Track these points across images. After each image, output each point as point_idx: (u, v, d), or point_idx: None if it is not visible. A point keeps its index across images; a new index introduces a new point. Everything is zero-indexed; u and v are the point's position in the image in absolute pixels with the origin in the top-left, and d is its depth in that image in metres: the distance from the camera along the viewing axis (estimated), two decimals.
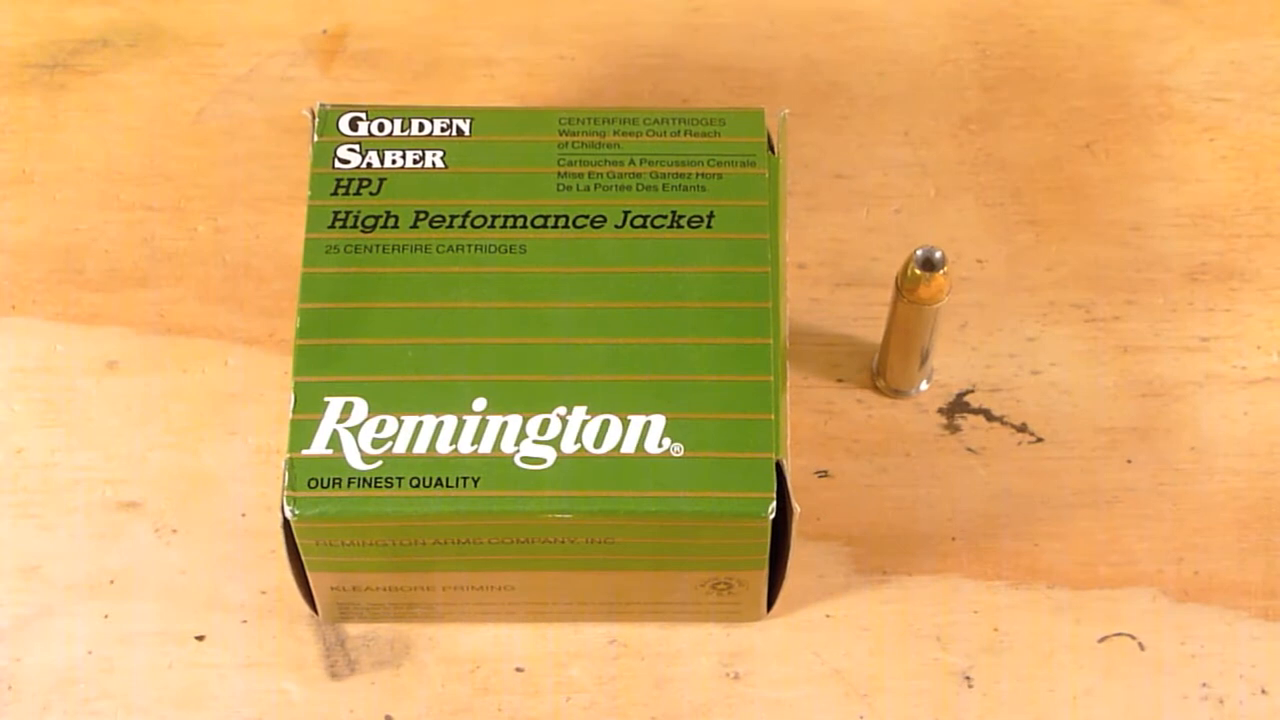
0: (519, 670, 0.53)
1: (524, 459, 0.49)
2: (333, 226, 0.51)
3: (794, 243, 0.58)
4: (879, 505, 0.55)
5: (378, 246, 0.51)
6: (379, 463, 0.49)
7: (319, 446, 0.49)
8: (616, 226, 0.51)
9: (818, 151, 0.60)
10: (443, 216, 0.52)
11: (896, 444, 0.56)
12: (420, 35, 0.62)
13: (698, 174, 0.52)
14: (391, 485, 0.48)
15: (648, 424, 0.49)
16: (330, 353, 0.50)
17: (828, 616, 0.54)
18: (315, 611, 0.53)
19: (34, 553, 0.55)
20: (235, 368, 0.57)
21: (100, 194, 0.60)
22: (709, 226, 0.51)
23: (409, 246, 0.51)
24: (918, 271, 0.52)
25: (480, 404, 0.49)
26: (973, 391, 0.57)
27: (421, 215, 0.52)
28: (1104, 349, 0.57)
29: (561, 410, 0.49)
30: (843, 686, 0.53)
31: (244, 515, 0.55)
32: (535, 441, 0.49)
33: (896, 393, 0.57)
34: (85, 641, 0.54)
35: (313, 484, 0.48)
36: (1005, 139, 0.60)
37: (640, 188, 0.52)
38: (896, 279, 0.53)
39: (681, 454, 0.49)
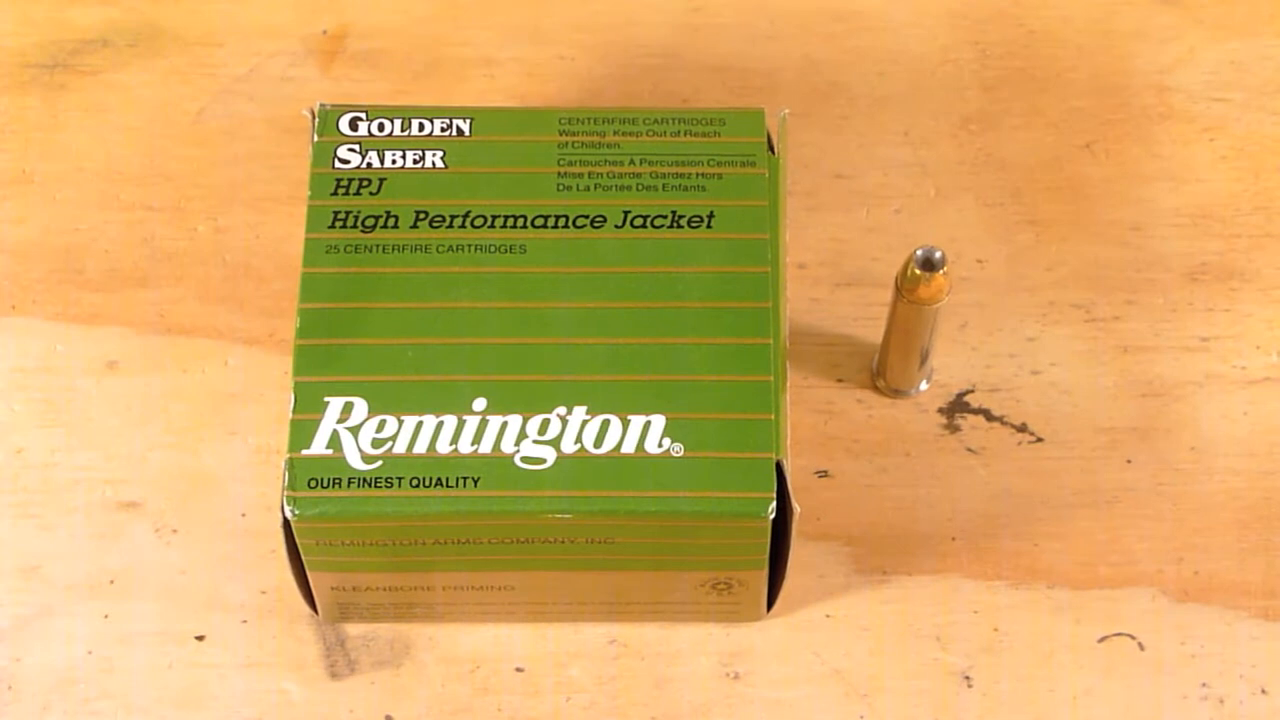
0: (519, 670, 0.53)
1: (524, 459, 0.49)
2: (333, 226, 0.51)
3: (794, 243, 0.58)
4: (879, 505, 0.55)
5: (378, 246, 0.51)
6: (379, 463, 0.49)
7: (319, 446, 0.49)
8: (616, 226, 0.51)
9: (818, 151, 0.60)
10: (443, 216, 0.52)
11: (896, 444, 0.56)
12: (420, 35, 0.62)
13: (698, 174, 0.52)
14: (391, 485, 0.48)
15: (648, 424, 0.49)
16: (330, 353, 0.50)
17: (828, 616, 0.54)
18: (315, 611, 0.53)
19: (34, 553, 0.55)
20: (235, 368, 0.57)
21: (100, 194, 0.60)
22: (709, 226, 0.51)
23: (409, 246, 0.51)
24: (918, 271, 0.52)
25: (480, 404, 0.49)
26: (973, 391, 0.57)
27: (421, 215, 0.52)
28: (1104, 349, 0.57)
29: (561, 410, 0.49)
30: (843, 686, 0.53)
31: (244, 515, 0.55)
32: (535, 441, 0.49)
33: (896, 393, 0.57)
34: (85, 641, 0.54)
35: (313, 484, 0.48)
36: (1005, 139, 0.60)
37: (640, 188, 0.52)
38: (896, 279, 0.53)
39: (681, 454, 0.49)
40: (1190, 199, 0.60)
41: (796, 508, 0.49)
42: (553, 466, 0.49)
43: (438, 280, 0.51)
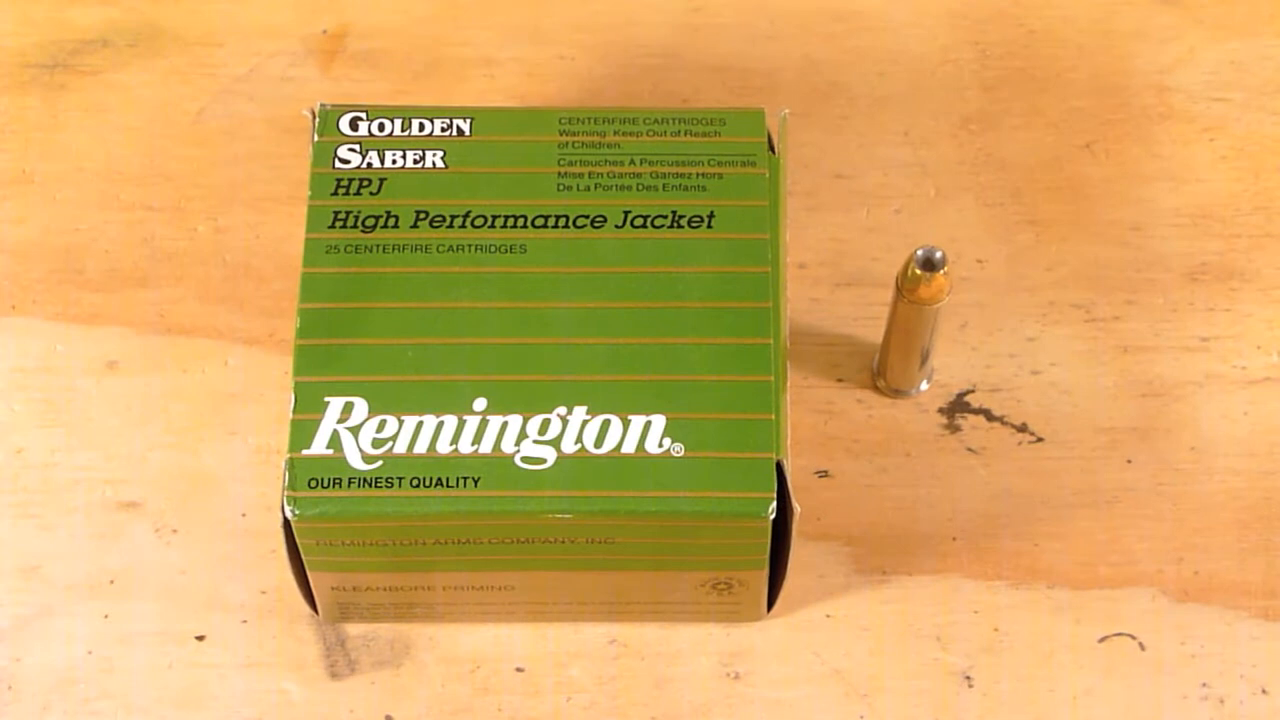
0: (519, 670, 0.53)
1: (524, 459, 0.49)
2: (333, 226, 0.51)
3: (794, 243, 0.58)
4: (879, 505, 0.55)
5: (378, 246, 0.51)
6: (379, 463, 0.49)
7: (319, 446, 0.49)
8: (617, 226, 0.51)
9: (818, 151, 0.60)
10: (443, 216, 0.52)
11: (896, 444, 0.56)
12: (420, 35, 0.62)
13: (698, 174, 0.52)
14: (391, 485, 0.48)
15: (648, 424, 0.49)
16: (330, 353, 0.50)
17: (828, 616, 0.54)
18: (315, 611, 0.53)
19: (34, 553, 0.55)
20: (235, 368, 0.57)
21: (100, 194, 0.60)
22: (709, 226, 0.51)
23: (409, 246, 0.51)
24: (918, 271, 0.52)
25: (480, 404, 0.49)
26: (973, 391, 0.57)
27: (422, 215, 0.52)
28: (1104, 349, 0.57)
29: (562, 410, 0.49)
30: (843, 686, 0.53)
31: (244, 515, 0.55)
32: (535, 441, 0.49)
33: (896, 393, 0.57)
34: (85, 641, 0.54)
35: (313, 484, 0.48)
36: (1005, 139, 0.60)
37: (640, 188, 0.52)
38: (896, 279, 0.53)
39: (682, 454, 0.49)
40: (1190, 199, 0.60)
41: (796, 508, 0.49)
42: (553, 466, 0.49)
43: (438, 280, 0.51)
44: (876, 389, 0.57)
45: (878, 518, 0.55)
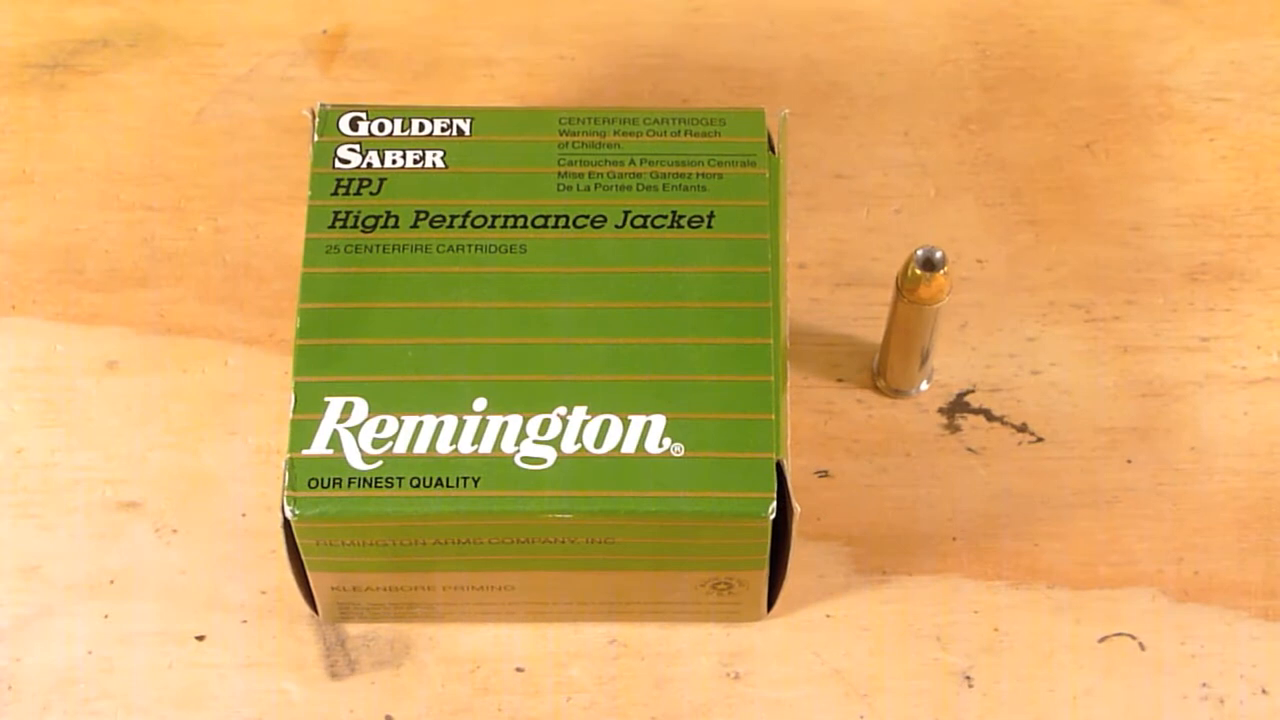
0: (519, 670, 0.53)
1: (524, 459, 0.49)
2: (333, 226, 0.51)
3: (794, 243, 0.58)
4: (879, 505, 0.55)
5: (378, 246, 0.51)
6: (379, 463, 0.49)
7: (319, 446, 0.49)
8: (617, 226, 0.51)
9: (818, 151, 0.60)
10: (443, 216, 0.52)
11: (896, 444, 0.56)
12: (420, 35, 0.62)
13: (698, 174, 0.52)
14: (391, 485, 0.48)
15: (648, 424, 0.49)
16: (330, 353, 0.50)
17: (828, 616, 0.54)
18: (315, 611, 0.53)
19: (34, 553, 0.55)
20: (235, 368, 0.57)
21: (100, 194, 0.60)
22: (709, 226, 0.51)
23: (409, 246, 0.51)
24: (918, 271, 0.52)
25: (480, 404, 0.49)
26: (973, 391, 0.57)
27: (421, 215, 0.52)
28: (1104, 349, 0.57)
29: (562, 410, 0.49)
30: (843, 686, 0.53)
31: (244, 515, 0.55)
32: (535, 441, 0.49)
33: (896, 393, 0.57)
34: (85, 641, 0.54)
35: (313, 484, 0.48)
36: (1005, 139, 0.60)
37: (640, 188, 0.52)
38: (896, 279, 0.53)
39: (682, 454, 0.49)
40: (1190, 199, 0.60)
41: (796, 508, 0.49)
42: (553, 466, 0.49)
43: (438, 280, 0.51)
44: (876, 389, 0.57)
45: (878, 518, 0.55)
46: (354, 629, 0.54)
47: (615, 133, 0.53)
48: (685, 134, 0.53)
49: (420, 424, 0.49)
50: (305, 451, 0.49)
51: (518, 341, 0.50)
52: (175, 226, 0.59)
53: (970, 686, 0.53)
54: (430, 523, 0.49)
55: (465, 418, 0.49)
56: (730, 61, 0.62)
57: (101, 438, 0.56)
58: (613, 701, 0.53)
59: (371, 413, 0.49)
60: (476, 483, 0.48)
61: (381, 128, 0.53)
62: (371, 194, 0.52)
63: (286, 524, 0.49)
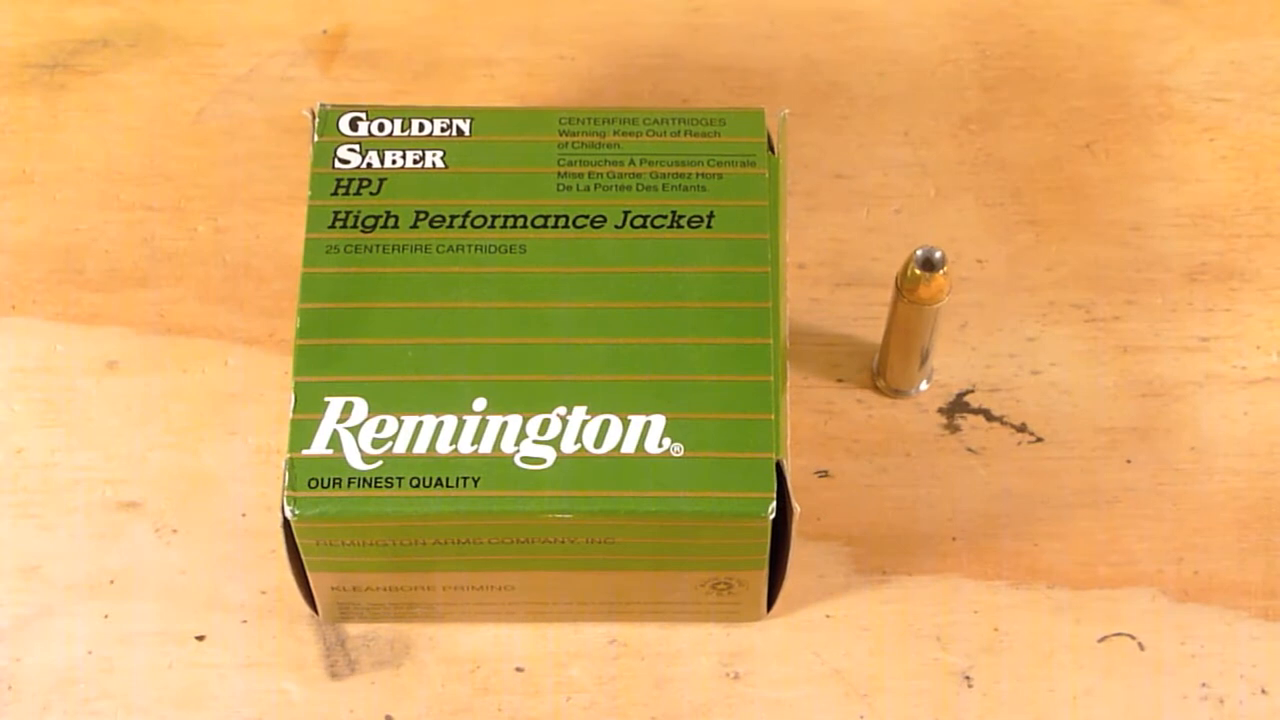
0: (519, 670, 0.53)
1: (524, 459, 0.49)
2: (333, 226, 0.51)
3: (794, 243, 0.58)
4: (879, 505, 0.55)
5: (378, 246, 0.51)
6: (379, 463, 0.49)
7: (319, 446, 0.49)
8: (616, 226, 0.51)
9: (818, 151, 0.60)
10: (443, 216, 0.52)
11: (896, 444, 0.56)
12: (420, 35, 0.62)
13: (698, 174, 0.52)
14: (391, 485, 0.48)
15: (648, 424, 0.49)
16: (330, 353, 0.50)
17: (828, 616, 0.54)
18: (315, 611, 0.53)
19: (34, 553, 0.55)
20: (235, 368, 0.57)
21: (100, 194, 0.60)
22: (709, 226, 0.51)
23: (409, 246, 0.51)
24: (918, 271, 0.52)
25: (480, 404, 0.49)
26: (973, 391, 0.57)
27: (421, 215, 0.52)
28: (1104, 349, 0.57)
29: (561, 410, 0.49)
30: (843, 686, 0.53)
31: (244, 515, 0.55)
32: (535, 441, 0.49)
33: (896, 393, 0.57)
34: (85, 641, 0.54)
35: (313, 484, 0.48)
36: (1005, 139, 0.60)
37: (640, 188, 0.52)
38: (896, 279, 0.53)
39: (681, 454, 0.49)
40: (1190, 199, 0.60)
41: (796, 508, 0.49)
42: (553, 466, 0.49)
43: (438, 280, 0.51)
44: (876, 389, 0.57)
45: (878, 518, 0.55)
46: (354, 629, 0.54)
47: (615, 133, 0.53)
48: (685, 134, 0.53)
49: (420, 424, 0.49)
50: (305, 451, 0.49)
51: (518, 341, 0.50)
52: (175, 226, 0.59)
53: (970, 686, 0.53)
54: (430, 523, 0.49)
55: (465, 418, 0.49)
56: (730, 61, 0.62)
57: (101, 438, 0.56)
58: (613, 701, 0.53)
59: (371, 413, 0.49)
60: (476, 483, 0.48)
61: (381, 128, 0.53)
62: (371, 194, 0.52)
63: (286, 524, 0.49)
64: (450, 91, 0.61)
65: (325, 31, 0.62)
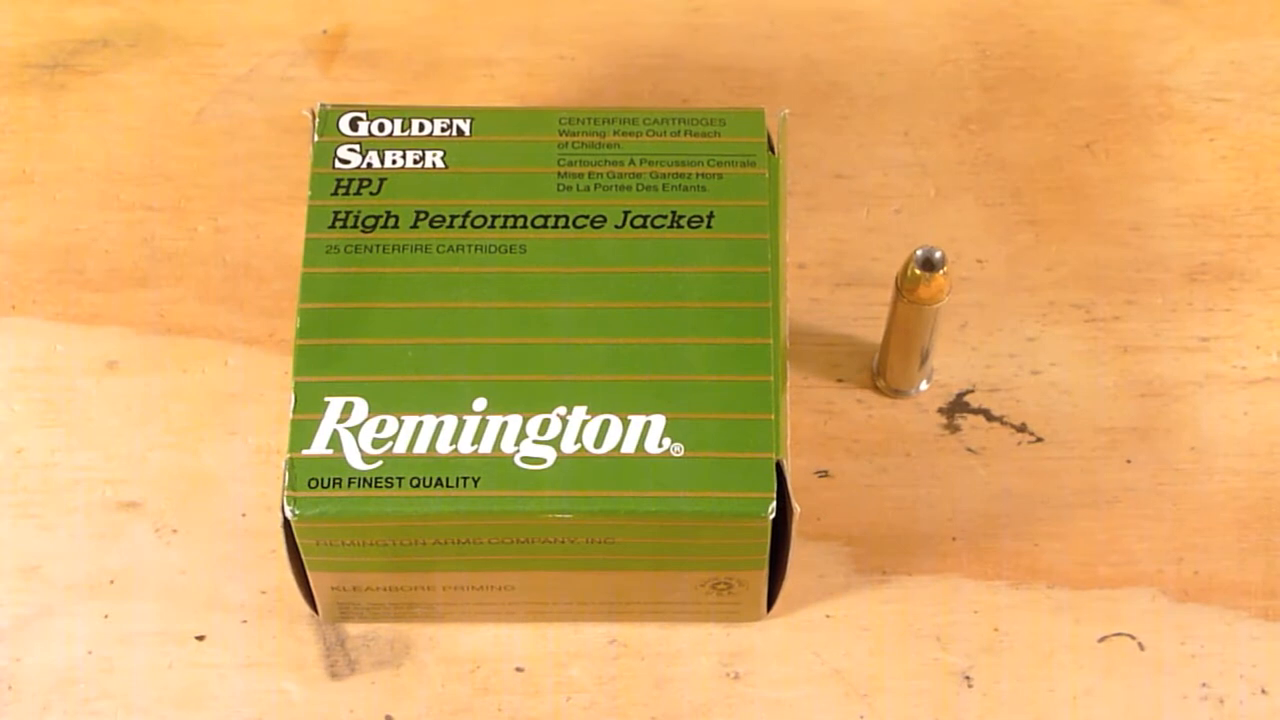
0: (519, 670, 0.53)
1: (524, 459, 0.49)
2: (333, 226, 0.51)
3: (794, 243, 0.58)
4: (879, 505, 0.55)
5: (378, 246, 0.51)
6: (379, 463, 0.49)
7: (319, 446, 0.49)
8: (616, 226, 0.51)
9: (818, 151, 0.60)
10: (443, 216, 0.52)
11: (896, 444, 0.56)
12: (420, 35, 0.62)
13: (698, 174, 0.52)
14: (391, 485, 0.48)
15: (648, 424, 0.49)
16: (330, 353, 0.50)
17: (828, 616, 0.54)
18: (315, 611, 0.53)
19: (34, 553, 0.55)
20: (235, 368, 0.57)
21: (100, 194, 0.60)
22: (709, 226, 0.51)
23: (409, 246, 0.51)
24: (918, 271, 0.52)
25: (480, 404, 0.49)
26: (973, 391, 0.57)
27: (421, 215, 0.52)
28: (1104, 349, 0.57)
29: (561, 410, 0.49)
30: (843, 686, 0.53)
31: (244, 515, 0.55)
32: (535, 441, 0.49)
33: (896, 393, 0.57)
34: (85, 641, 0.54)
35: (313, 484, 0.48)
36: (1005, 139, 0.60)
37: (640, 188, 0.52)
38: (896, 279, 0.53)
39: (681, 454, 0.49)
40: (1190, 199, 0.60)
41: (796, 508, 0.49)
42: (553, 466, 0.49)
43: (438, 280, 0.51)
44: (876, 389, 0.57)
45: (878, 518, 0.55)
46: (354, 629, 0.54)
47: (615, 133, 0.53)
48: (685, 134, 0.53)
49: (420, 424, 0.49)
50: (305, 451, 0.49)
51: (518, 341, 0.50)
52: (175, 226, 0.59)
53: (970, 686, 0.53)
54: (430, 523, 0.49)
55: (465, 418, 0.49)
56: (730, 61, 0.62)
57: (101, 438, 0.56)
58: (613, 701, 0.53)
59: (371, 413, 0.49)
60: (476, 483, 0.48)
61: (381, 128, 0.53)
62: (371, 194, 0.52)
63: (286, 524, 0.49)
64: (450, 91, 0.61)
65: (325, 31, 0.62)
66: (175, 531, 0.55)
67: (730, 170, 0.52)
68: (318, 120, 0.53)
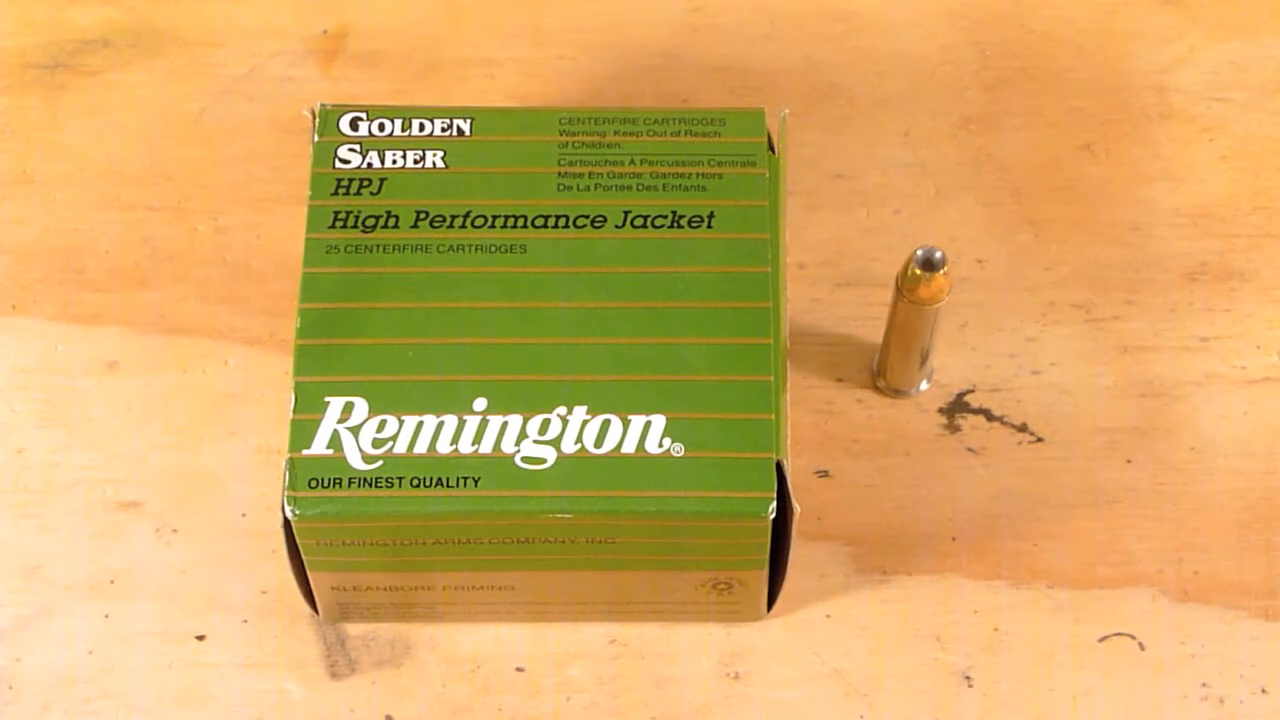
0: (519, 670, 0.53)
1: (524, 459, 0.49)
2: (333, 226, 0.51)
3: (794, 243, 0.58)
4: (879, 505, 0.55)
5: (378, 246, 0.51)
6: (379, 463, 0.49)
7: (319, 446, 0.49)
8: (617, 226, 0.51)
9: (818, 151, 0.60)
10: (443, 216, 0.52)
11: (896, 444, 0.56)
12: (420, 35, 0.62)
13: (698, 174, 0.52)
14: (392, 485, 0.48)
15: (648, 424, 0.49)
16: (331, 353, 0.50)
17: (828, 616, 0.54)
18: (315, 611, 0.53)
19: (34, 553, 0.55)
20: (235, 368, 0.57)
21: (101, 194, 0.60)
22: (709, 226, 0.51)
23: (409, 246, 0.51)
24: (918, 271, 0.52)
25: (480, 404, 0.49)
26: (973, 391, 0.57)
27: (422, 215, 0.52)
28: (1104, 349, 0.57)
29: (562, 410, 0.49)
30: (843, 686, 0.53)
31: (244, 515, 0.55)
32: (535, 441, 0.49)
33: (896, 393, 0.57)
34: (85, 641, 0.54)
35: (313, 484, 0.48)
36: (1005, 139, 0.60)
37: (640, 188, 0.52)
38: (896, 279, 0.53)
39: (682, 454, 0.49)
40: (1190, 199, 0.60)
41: (796, 508, 0.49)
42: (553, 466, 0.49)
43: (438, 280, 0.51)
44: (876, 389, 0.57)
45: (878, 518, 0.55)
46: (354, 629, 0.54)
47: (615, 133, 0.53)
48: (685, 134, 0.53)
49: (420, 424, 0.49)
50: (305, 451, 0.49)
51: (518, 341, 0.50)
52: (175, 226, 0.59)
53: (970, 686, 0.53)
54: (430, 523, 0.49)
55: (465, 418, 0.49)
56: (730, 61, 0.62)
57: (102, 438, 0.56)
58: (613, 701, 0.53)
59: (372, 413, 0.49)
60: (476, 483, 0.48)
61: (381, 128, 0.53)
62: (372, 194, 0.52)
63: (286, 524, 0.49)
64: (450, 91, 0.61)
65: (325, 31, 0.62)
66: (175, 531, 0.55)
67: (730, 170, 0.52)
68: (318, 120, 0.53)
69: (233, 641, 0.54)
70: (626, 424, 0.49)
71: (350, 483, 0.48)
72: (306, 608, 0.53)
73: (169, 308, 0.58)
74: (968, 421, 0.56)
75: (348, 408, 0.49)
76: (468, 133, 0.53)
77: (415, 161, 0.52)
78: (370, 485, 0.48)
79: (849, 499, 0.55)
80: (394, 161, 0.52)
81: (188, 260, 0.59)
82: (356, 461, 0.49)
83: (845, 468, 0.56)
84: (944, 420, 0.56)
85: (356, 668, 0.53)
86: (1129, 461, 0.56)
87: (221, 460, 0.56)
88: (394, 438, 0.49)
